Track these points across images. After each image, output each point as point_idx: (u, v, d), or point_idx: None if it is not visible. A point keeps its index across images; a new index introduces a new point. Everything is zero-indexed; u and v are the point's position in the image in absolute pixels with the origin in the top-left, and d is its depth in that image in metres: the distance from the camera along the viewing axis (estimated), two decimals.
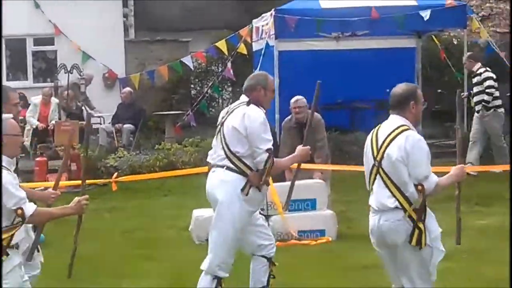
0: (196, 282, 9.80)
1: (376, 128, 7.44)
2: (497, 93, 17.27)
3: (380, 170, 7.19)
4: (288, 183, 13.13)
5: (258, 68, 18.85)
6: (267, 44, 18.94)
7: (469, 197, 14.15)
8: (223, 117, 8.48)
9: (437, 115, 21.36)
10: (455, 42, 21.62)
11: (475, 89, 17.46)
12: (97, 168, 17.46)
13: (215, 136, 8.43)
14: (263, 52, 19.14)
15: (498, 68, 18.85)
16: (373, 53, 19.64)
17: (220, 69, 22.91)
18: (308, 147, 8.80)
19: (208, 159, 8.56)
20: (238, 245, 8.51)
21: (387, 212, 7.21)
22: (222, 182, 8.18)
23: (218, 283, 8.51)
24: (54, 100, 20.88)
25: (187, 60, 21.57)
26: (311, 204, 12.77)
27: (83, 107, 21.22)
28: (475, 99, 17.43)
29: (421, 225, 7.12)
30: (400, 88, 7.71)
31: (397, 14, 18.29)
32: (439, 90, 22.00)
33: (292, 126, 14.19)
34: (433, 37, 21.53)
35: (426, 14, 18.18)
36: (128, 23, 26.73)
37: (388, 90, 18.54)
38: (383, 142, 7.20)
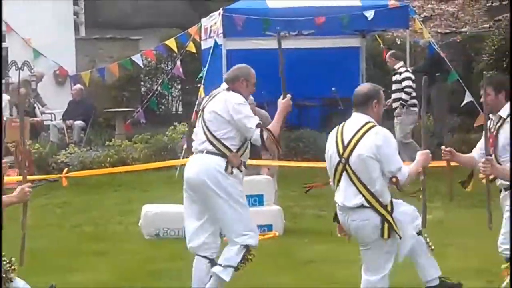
0: (144, 276, 9.83)
1: (341, 126, 7.45)
2: (414, 93, 17.41)
3: (347, 167, 7.19)
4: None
5: (206, 67, 18.95)
6: (215, 42, 18.92)
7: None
8: (203, 104, 8.64)
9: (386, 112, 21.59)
10: (398, 42, 21.80)
11: (394, 87, 17.85)
12: (48, 164, 17.35)
13: (197, 124, 8.54)
14: (211, 50, 19.09)
15: (440, 67, 19.06)
16: (319, 52, 19.71)
17: (169, 67, 22.88)
18: None
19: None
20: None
21: (353, 211, 7.24)
22: (204, 166, 8.26)
23: (247, 252, 8.56)
24: (5, 97, 20.65)
25: (137, 58, 21.53)
26: (258, 200, 12.78)
27: (35, 104, 21.09)
28: (393, 96, 17.64)
29: (389, 218, 7.20)
30: (364, 87, 7.85)
31: (341, 14, 18.36)
32: (382, 89, 22.11)
33: None
34: (377, 37, 21.68)
35: (370, 15, 18.28)
36: (78, 20, 26.70)
37: (333, 89, 18.86)
38: (351, 139, 7.21)
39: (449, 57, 19.74)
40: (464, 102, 18.53)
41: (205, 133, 8.37)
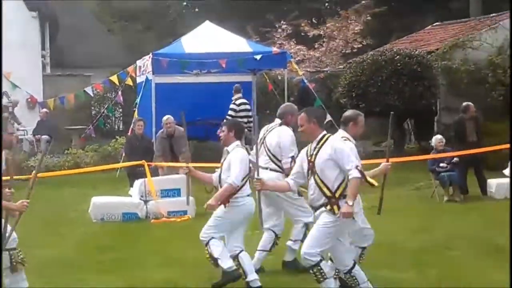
0: (92, 249, 9.76)
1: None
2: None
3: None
4: (161, 177, 13.41)
5: (140, 96, 19.02)
6: (147, 78, 18.89)
7: None
8: (264, 134, 8.86)
9: None
10: (279, 78, 21.97)
11: (231, 112, 17.90)
12: (22, 168, 17.08)
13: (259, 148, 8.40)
14: (144, 84, 19.11)
15: (309, 96, 19.36)
16: (223, 85, 19.73)
17: (113, 96, 22.72)
18: None
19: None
20: None
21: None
22: (271, 177, 8.30)
23: (276, 238, 8.83)
24: None
25: (89, 90, 21.51)
26: (177, 192, 13.01)
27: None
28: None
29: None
30: (348, 111, 7.97)
31: (238, 57, 18.54)
32: (267, 111, 22.33)
33: (164, 136, 14.41)
34: (264, 74, 21.86)
35: (258, 58, 18.52)
36: (45, 61, 26.50)
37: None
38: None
39: (316, 88, 20.07)
40: (325, 121, 18.76)
41: (268, 155, 8.62)
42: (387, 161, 7.95)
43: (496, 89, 19.88)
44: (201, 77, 19.70)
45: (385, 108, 19.15)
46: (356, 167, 6.74)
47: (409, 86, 19.03)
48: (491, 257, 8.90)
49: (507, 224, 11.34)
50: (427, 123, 20.47)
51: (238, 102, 17.82)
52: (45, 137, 20.79)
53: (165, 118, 14.45)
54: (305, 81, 20.00)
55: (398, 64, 19.27)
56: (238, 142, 8.12)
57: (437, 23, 27.46)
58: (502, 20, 22.38)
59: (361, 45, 26.33)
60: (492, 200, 14.07)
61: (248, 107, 18.18)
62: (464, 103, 15.16)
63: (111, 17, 37.21)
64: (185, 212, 12.62)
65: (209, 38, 19.31)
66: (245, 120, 17.26)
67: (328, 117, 18.66)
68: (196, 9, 37.29)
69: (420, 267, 8.57)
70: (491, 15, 24.90)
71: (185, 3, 40.45)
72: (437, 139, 14.47)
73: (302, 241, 8.09)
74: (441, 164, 14.09)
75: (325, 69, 24.58)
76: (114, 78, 20.57)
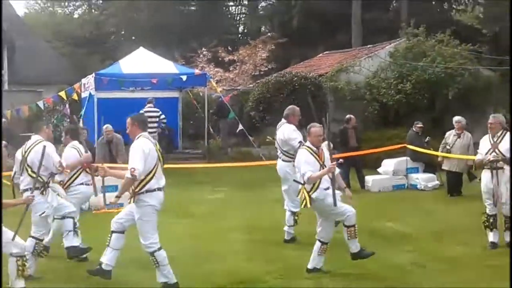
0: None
1: None
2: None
3: None
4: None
5: (84, 109, 18.67)
6: (90, 94, 18.56)
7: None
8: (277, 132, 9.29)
9: (193, 136, 21.85)
10: (201, 94, 21.89)
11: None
12: None
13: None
14: (88, 98, 18.76)
15: (225, 109, 19.36)
16: (156, 99, 19.52)
17: (61, 109, 22.11)
18: None
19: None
20: None
21: None
22: (282, 165, 9.13)
23: (295, 215, 9.21)
24: None
25: (40, 103, 20.78)
26: (115, 188, 12.62)
27: None
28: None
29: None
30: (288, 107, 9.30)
31: (167, 77, 18.43)
32: (191, 122, 22.26)
33: (103, 142, 14.13)
34: (188, 91, 21.76)
35: (184, 77, 18.47)
36: (4, 78, 25.55)
37: (165, 121, 18.76)
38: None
39: (230, 103, 20.05)
40: (238, 129, 18.86)
41: (279, 148, 9.18)
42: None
43: (372, 104, 20.38)
44: (136, 93, 19.43)
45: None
46: None
47: (305, 102, 19.29)
48: (371, 237, 9.08)
49: (380, 212, 11.72)
50: None
51: (145, 109, 17.46)
52: (4, 142, 20.07)
53: (104, 126, 14.18)
54: (222, 97, 20.00)
55: (296, 84, 19.55)
56: (143, 133, 7.03)
57: (326, 52, 27.96)
58: (376, 50, 22.98)
59: (267, 68, 26.55)
60: (369, 193, 14.41)
61: (154, 114, 17.64)
62: (347, 116, 15.46)
63: (61, 42, 36.44)
64: (122, 205, 12.32)
65: (143, 61, 19.13)
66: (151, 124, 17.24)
67: (240, 127, 18.79)
68: (133, 37, 36.81)
69: (311, 247, 8.57)
70: (368, 46, 25.55)
71: (123, 32, 39.93)
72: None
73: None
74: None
75: (238, 88, 24.61)
76: (63, 94, 20.00)
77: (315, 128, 7.63)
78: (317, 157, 7.40)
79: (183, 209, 11.88)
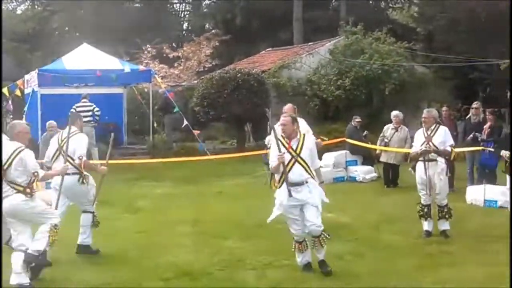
0: None
1: None
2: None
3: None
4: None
5: (27, 105, 18.14)
6: (33, 90, 18.11)
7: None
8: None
9: (138, 132, 21.59)
10: (146, 90, 21.64)
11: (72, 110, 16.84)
12: None
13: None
14: (31, 95, 18.29)
15: (170, 104, 19.18)
16: (98, 95, 19.14)
17: (4, 105, 21.44)
18: None
19: None
20: None
21: None
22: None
23: None
24: None
25: None
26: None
27: None
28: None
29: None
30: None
31: (112, 73, 18.10)
32: (136, 117, 22.00)
33: (47, 138, 13.70)
34: (133, 87, 21.47)
35: (127, 69, 18.28)
36: None
37: (107, 118, 18.50)
38: None
39: (175, 99, 19.89)
40: (183, 125, 18.72)
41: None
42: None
43: (313, 100, 20.60)
44: (80, 89, 19.02)
45: (230, 115, 19.45)
46: None
47: (248, 98, 19.34)
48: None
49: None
50: (262, 127, 20.85)
51: (79, 104, 17.15)
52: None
53: (48, 123, 13.80)
54: (167, 93, 19.83)
55: (240, 81, 19.52)
56: (74, 128, 7.89)
57: (269, 49, 28.09)
58: (317, 47, 23.22)
59: (211, 64, 26.44)
60: None
61: (87, 108, 17.22)
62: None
63: (4, 38, 35.24)
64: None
65: (87, 57, 18.72)
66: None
67: (185, 122, 18.65)
68: (77, 34, 36.00)
69: (255, 239, 8.66)
70: (309, 43, 25.81)
71: (67, 28, 39.00)
72: (269, 139, 14.75)
73: None
74: None
75: (182, 84, 24.46)
76: (5, 90, 19.42)
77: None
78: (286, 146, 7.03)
79: (129, 204, 11.73)
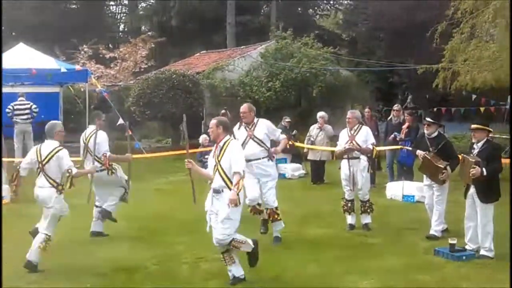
0: None
1: None
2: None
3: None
4: None
5: None
6: None
7: None
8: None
9: (74, 130, 21.02)
10: (82, 90, 21.14)
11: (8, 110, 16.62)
12: None
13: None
14: None
15: (106, 104, 18.82)
16: (35, 94, 18.52)
17: None
18: None
19: None
20: None
21: None
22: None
23: None
24: None
25: None
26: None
27: None
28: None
29: None
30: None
31: (48, 72, 17.55)
32: (72, 116, 21.42)
33: None
34: (69, 87, 20.93)
35: (63, 69, 17.74)
36: None
37: (43, 116, 18.00)
38: None
39: (111, 98, 19.52)
40: (118, 123, 18.35)
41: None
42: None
43: (245, 101, 20.65)
44: (16, 88, 18.34)
45: (165, 114, 19.28)
46: None
47: (183, 98, 19.23)
48: (243, 223, 9.19)
49: None
50: (196, 126, 20.80)
51: (16, 102, 16.64)
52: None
53: None
54: (103, 92, 19.42)
55: (175, 81, 19.38)
56: (93, 127, 8.59)
57: (203, 51, 28.03)
58: (249, 51, 23.35)
59: (147, 65, 26.04)
60: None
61: (25, 106, 16.60)
62: (222, 111, 15.60)
63: None
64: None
65: (23, 56, 18.03)
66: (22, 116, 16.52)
67: (120, 121, 18.33)
68: (13, 33, 34.75)
69: (191, 234, 8.60)
70: (242, 47, 25.91)
71: (3, 28, 37.54)
72: (203, 138, 14.72)
73: None
74: (206, 156, 14.34)
75: (119, 84, 24.02)
76: None
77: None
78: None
79: (66, 201, 11.40)
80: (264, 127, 8.28)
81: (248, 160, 7.41)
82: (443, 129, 15.05)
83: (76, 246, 8.15)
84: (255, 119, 8.35)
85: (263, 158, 8.14)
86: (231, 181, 6.28)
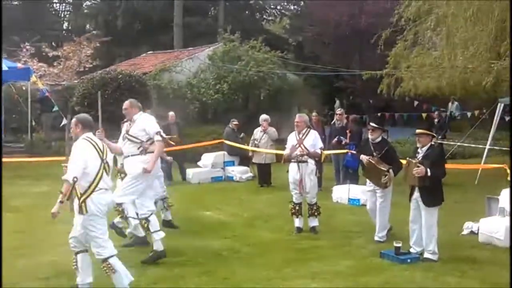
0: None
1: None
2: None
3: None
4: None
5: None
6: None
7: None
8: None
9: (16, 130, 20.35)
10: (24, 89, 20.49)
11: None
12: None
13: None
14: None
15: (49, 102, 18.32)
16: None
17: None
18: None
19: None
20: None
21: None
22: None
23: None
24: None
25: None
26: None
27: None
28: None
29: None
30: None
31: None
32: (14, 116, 20.70)
33: None
34: (11, 85, 20.22)
35: (6, 71, 17.11)
36: None
37: None
38: None
39: (54, 97, 19.00)
40: (61, 124, 17.89)
41: None
42: None
43: (193, 103, 20.53)
44: None
45: (111, 115, 18.76)
46: None
47: (129, 99, 18.87)
48: (191, 225, 9.11)
49: (200, 202, 11.81)
50: None
51: None
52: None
53: None
54: (45, 91, 18.86)
55: (121, 82, 19.03)
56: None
57: (150, 52, 27.63)
58: (197, 52, 23.18)
59: (92, 65, 25.51)
60: (190, 184, 14.49)
61: None
62: (170, 112, 15.40)
63: None
64: None
65: None
66: None
67: (64, 121, 17.84)
68: None
69: None
70: (189, 48, 25.71)
71: None
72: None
73: None
74: None
75: (62, 83, 23.40)
76: None
77: None
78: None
79: (6, 203, 10.98)
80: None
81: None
82: (386, 134, 15.34)
83: (17, 250, 7.84)
84: (136, 115, 7.87)
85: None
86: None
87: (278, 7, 41.56)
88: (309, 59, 30.17)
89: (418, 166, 7.25)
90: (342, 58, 27.49)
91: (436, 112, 17.53)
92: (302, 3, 38.64)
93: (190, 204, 11.00)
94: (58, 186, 13.55)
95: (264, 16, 41.80)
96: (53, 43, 29.98)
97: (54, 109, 18.17)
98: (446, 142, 17.37)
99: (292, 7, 41.30)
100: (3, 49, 26.49)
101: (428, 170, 7.22)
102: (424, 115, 18.53)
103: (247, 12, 39.36)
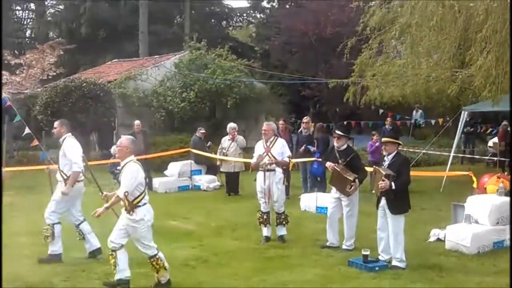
0: None
1: None
2: None
3: None
4: None
5: None
6: None
7: None
8: None
9: None
10: None
11: None
12: None
13: None
14: None
15: (11, 112, 17.77)
16: None
17: None
18: None
19: None
20: None
21: None
22: None
23: None
24: None
25: None
26: None
27: None
28: None
29: None
30: None
31: None
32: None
33: None
34: None
35: None
36: None
37: None
38: None
39: (16, 106, 18.52)
40: (24, 133, 17.46)
41: None
42: None
43: (159, 111, 20.34)
44: None
45: (75, 124, 18.47)
46: None
47: (94, 107, 18.65)
48: (158, 235, 8.97)
49: (167, 211, 11.65)
50: (108, 136, 20.20)
51: None
52: None
53: None
54: (7, 100, 18.41)
55: (85, 90, 18.76)
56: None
57: (115, 60, 27.34)
58: (163, 60, 23.00)
59: (55, 73, 25.03)
60: (156, 194, 14.30)
61: None
62: (135, 121, 15.21)
63: None
64: None
65: None
66: None
67: (27, 130, 17.45)
68: None
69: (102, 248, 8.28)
70: (155, 56, 25.51)
71: None
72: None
73: None
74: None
75: (25, 91, 22.91)
76: None
77: None
78: None
79: None
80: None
81: None
82: (352, 142, 15.44)
83: None
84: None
85: None
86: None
87: (244, 15, 41.66)
88: (275, 68, 30.27)
89: (383, 180, 7.29)
90: (309, 67, 27.62)
91: (388, 120, 17.73)
92: (268, 11, 38.83)
93: (156, 214, 10.74)
94: (20, 198, 13.26)
95: (231, 24, 41.87)
96: (15, 51, 29.33)
97: (17, 119, 17.74)
98: (412, 150, 17.59)
99: (258, 15, 41.46)
100: None
101: (393, 183, 7.26)
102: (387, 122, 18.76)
103: (213, 20, 39.34)
